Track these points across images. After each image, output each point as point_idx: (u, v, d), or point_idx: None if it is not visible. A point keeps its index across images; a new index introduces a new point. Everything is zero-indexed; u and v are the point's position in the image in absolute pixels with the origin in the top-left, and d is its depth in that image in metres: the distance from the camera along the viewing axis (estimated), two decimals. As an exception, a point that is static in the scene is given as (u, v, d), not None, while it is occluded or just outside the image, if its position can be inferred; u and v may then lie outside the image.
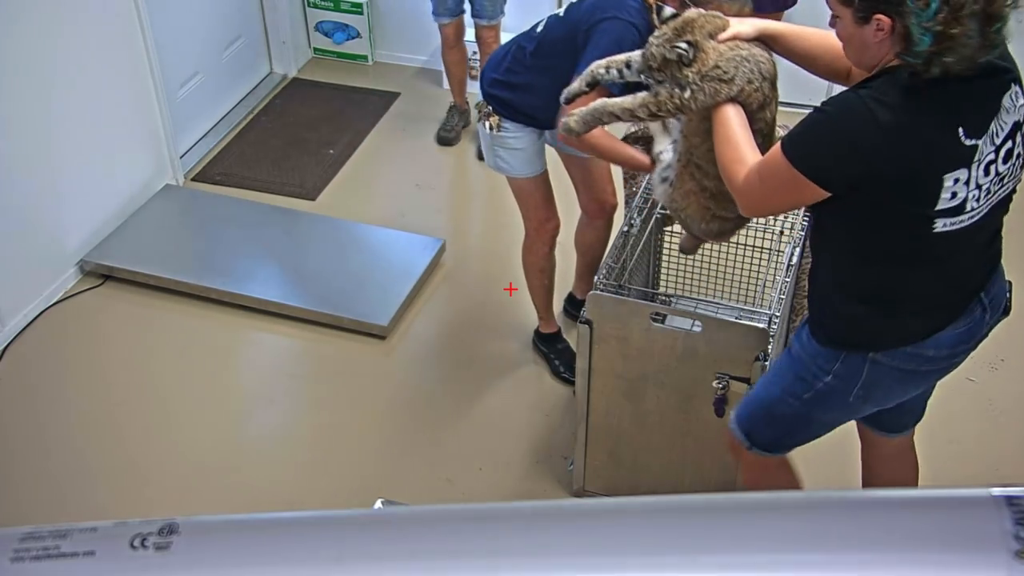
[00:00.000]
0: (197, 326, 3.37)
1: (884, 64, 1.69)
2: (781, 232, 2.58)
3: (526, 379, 3.16)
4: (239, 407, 3.13)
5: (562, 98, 2.11)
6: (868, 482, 2.42)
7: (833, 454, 2.82)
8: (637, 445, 2.57)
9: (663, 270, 2.92)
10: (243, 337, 3.36)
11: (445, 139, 4.30)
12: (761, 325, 2.24)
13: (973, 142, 1.68)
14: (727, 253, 2.76)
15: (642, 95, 1.91)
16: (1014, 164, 1.77)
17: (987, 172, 1.71)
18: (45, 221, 3.40)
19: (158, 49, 3.73)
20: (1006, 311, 1.98)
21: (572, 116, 2.00)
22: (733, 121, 1.84)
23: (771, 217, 2.58)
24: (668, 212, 2.17)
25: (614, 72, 2.00)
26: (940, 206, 1.69)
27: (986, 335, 1.98)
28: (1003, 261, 1.97)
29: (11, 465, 2.88)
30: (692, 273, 2.83)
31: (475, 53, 4.27)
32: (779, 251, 2.57)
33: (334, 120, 4.46)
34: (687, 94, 1.85)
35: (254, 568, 0.86)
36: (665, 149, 2.13)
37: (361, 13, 4.76)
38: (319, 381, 3.20)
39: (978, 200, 1.73)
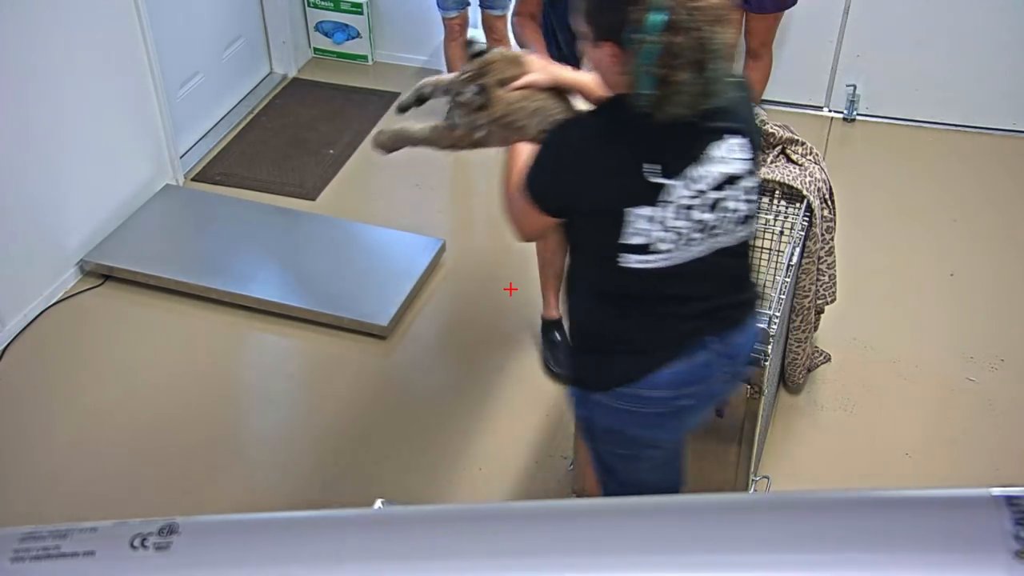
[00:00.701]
0: (197, 326, 3.37)
1: (615, 91, 1.69)
2: (781, 232, 2.57)
3: (526, 379, 3.15)
4: (239, 407, 3.13)
5: (394, 108, 2.12)
6: None
7: (832, 458, 2.82)
8: (637, 445, 2.56)
9: (663, 270, 2.92)
10: (243, 337, 3.36)
11: (445, 139, 4.29)
12: (761, 325, 2.23)
13: (661, 181, 1.65)
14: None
15: (443, 126, 1.95)
16: (727, 217, 1.73)
17: (683, 216, 1.69)
18: (45, 221, 3.40)
19: (158, 49, 3.73)
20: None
21: (383, 133, 2.03)
22: (522, 155, 1.86)
23: (771, 217, 2.57)
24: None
25: (440, 91, 2.02)
26: (624, 240, 1.69)
27: (726, 388, 1.95)
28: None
29: (11, 465, 2.88)
30: (692, 273, 2.82)
31: (475, 53, 4.26)
32: (779, 251, 2.56)
33: (334, 120, 4.46)
34: (481, 134, 1.89)
35: (254, 568, 0.86)
36: None
37: (361, 13, 4.75)
38: (319, 381, 3.20)
39: (674, 243, 1.70)
